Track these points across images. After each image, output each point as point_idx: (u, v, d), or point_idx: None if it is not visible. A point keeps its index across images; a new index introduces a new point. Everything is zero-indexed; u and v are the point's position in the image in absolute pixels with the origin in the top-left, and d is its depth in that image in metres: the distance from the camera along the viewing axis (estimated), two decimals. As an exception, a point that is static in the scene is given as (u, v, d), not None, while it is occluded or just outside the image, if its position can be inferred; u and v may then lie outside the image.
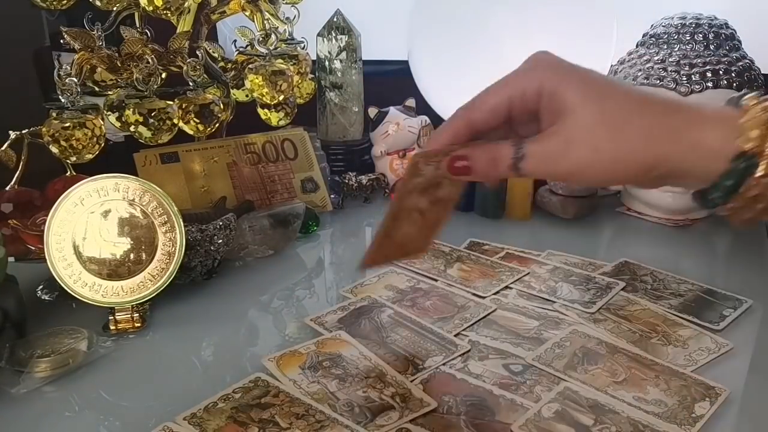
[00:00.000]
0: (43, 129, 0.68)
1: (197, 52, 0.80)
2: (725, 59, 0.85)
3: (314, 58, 1.00)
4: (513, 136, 0.44)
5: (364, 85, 1.04)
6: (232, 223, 0.71)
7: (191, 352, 0.58)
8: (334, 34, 1.01)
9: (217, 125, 0.80)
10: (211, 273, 0.72)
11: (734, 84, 0.83)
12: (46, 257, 0.60)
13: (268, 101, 0.82)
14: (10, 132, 0.70)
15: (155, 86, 0.74)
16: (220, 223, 0.69)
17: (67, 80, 0.68)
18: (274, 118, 0.87)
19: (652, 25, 0.93)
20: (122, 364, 0.57)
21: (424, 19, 0.98)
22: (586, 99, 0.40)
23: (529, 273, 0.72)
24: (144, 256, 0.63)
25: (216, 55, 0.92)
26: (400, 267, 0.73)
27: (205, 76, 0.80)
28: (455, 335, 0.60)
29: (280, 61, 0.84)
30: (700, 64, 0.84)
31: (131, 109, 0.73)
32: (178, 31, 0.80)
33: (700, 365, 0.56)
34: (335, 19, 1.01)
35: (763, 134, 0.37)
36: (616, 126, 0.39)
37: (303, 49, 0.92)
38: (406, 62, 1.01)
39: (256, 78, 0.80)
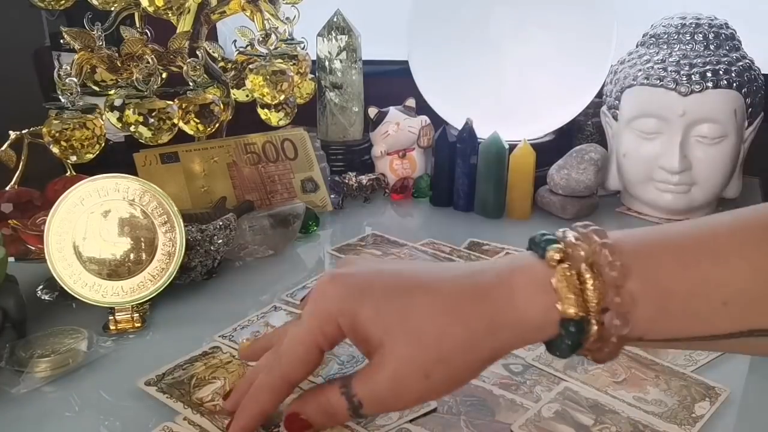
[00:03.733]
0: (43, 129, 0.68)
1: (197, 52, 0.80)
2: (725, 59, 0.85)
3: (314, 58, 1.00)
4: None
5: (364, 85, 1.04)
6: (232, 223, 0.71)
7: (191, 352, 0.58)
8: (334, 34, 1.01)
9: (217, 125, 0.80)
10: (211, 273, 0.72)
11: (734, 84, 0.83)
12: (46, 257, 0.60)
13: (269, 101, 0.82)
14: (10, 132, 0.70)
15: (155, 86, 0.74)
16: (220, 223, 0.69)
17: (67, 80, 0.68)
18: (274, 118, 0.87)
19: (652, 25, 0.93)
20: (122, 364, 0.57)
21: (424, 20, 0.98)
22: (386, 325, 0.36)
23: (529, 273, 0.72)
24: (144, 256, 0.63)
25: (216, 55, 0.92)
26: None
27: (205, 76, 0.80)
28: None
29: (280, 61, 0.84)
30: (700, 64, 0.84)
31: (131, 109, 0.73)
32: (178, 31, 0.80)
33: (700, 365, 0.56)
34: (335, 19, 1.01)
35: (579, 298, 0.34)
36: (434, 343, 0.35)
37: (303, 49, 0.92)
38: (406, 62, 1.01)
39: (257, 78, 0.80)
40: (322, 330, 0.39)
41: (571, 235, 0.36)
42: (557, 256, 0.35)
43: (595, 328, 0.34)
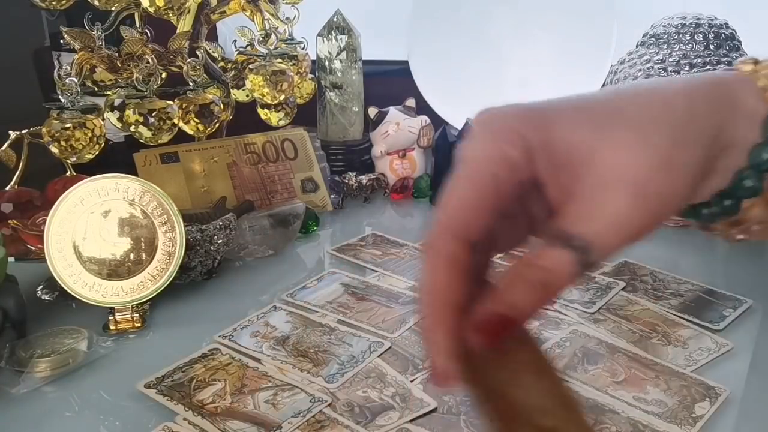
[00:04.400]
0: (43, 129, 0.68)
1: (197, 52, 0.80)
2: (725, 59, 0.85)
3: (314, 58, 1.00)
4: (521, 222, 0.30)
5: (364, 85, 1.04)
6: (232, 223, 0.71)
7: (191, 352, 0.58)
8: (334, 34, 1.01)
9: (217, 125, 0.80)
10: (211, 273, 0.71)
11: (734, 84, 0.83)
12: (46, 257, 0.60)
13: (269, 101, 0.82)
14: (10, 132, 0.70)
15: (155, 86, 0.74)
16: (220, 223, 0.69)
17: (67, 80, 0.68)
18: (274, 118, 0.87)
19: (652, 25, 0.93)
20: (122, 364, 0.57)
21: (424, 19, 0.97)
22: (598, 125, 0.27)
23: (529, 273, 0.72)
24: (144, 256, 0.63)
25: (216, 55, 0.92)
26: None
27: (205, 76, 0.80)
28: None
29: (280, 61, 0.84)
30: (700, 64, 0.84)
31: (131, 109, 0.73)
32: (178, 31, 0.80)
33: (700, 365, 0.56)
34: (335, 19, 1.01)
35: None
36: (667, 122, 0.27)
37: (303, 49, 0.92)
38: (406, 62, 1.01)
39: (257, 78, 0.80)
40: (502, 151, 0.27)
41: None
42: (750, 65, 0.30)
43: None
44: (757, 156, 0.29)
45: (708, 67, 0.83)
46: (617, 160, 0.26)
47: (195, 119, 0.77)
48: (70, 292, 0.61)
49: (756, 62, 0.31)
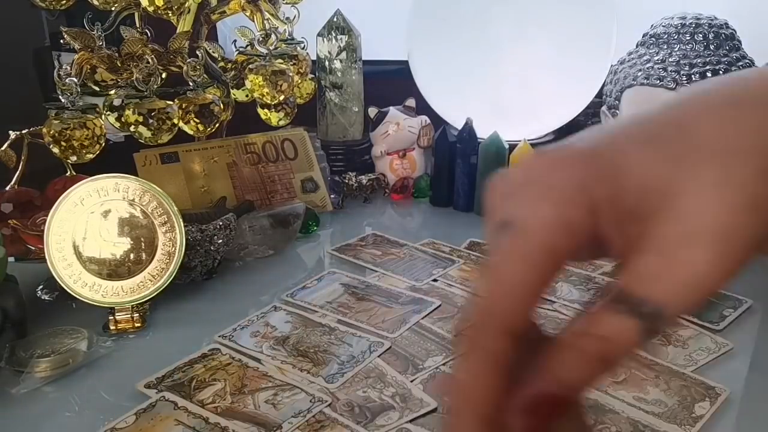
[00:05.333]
0: (44, 129, 0.68)
1: (197, 52, 0.80)
2: (725, 59, 0.85)
3: (314, 58, 1.00)
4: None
5: (364, 85, 1.04)
6: (232, 223, 0.71)
7: (191, 352, 0.58)
8: (334, 34, 1.01)
9: (217, 125, 0.80)
10: (211, 273, 0.71)
11: (734, 84, 0.83)
12: (46, 257, 0.60)
13: (269, 101, 0.82)
14: (10, 132, 0.70)
15: (155, 86, 0.74)
16: (220, 223, 0.69)
17: (67, 80, 0.67)
18: (274, 118, 0.87)
19: (652, 25, 0.92)
20: (122, 364, 0.57)
21: (423, 20, 0.97)
22: (674, 161, 0.23)
23: (529, 273, 0.72)
24: (144, 256, 0.63)
25: (216, 55, 0.91)
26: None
27: (205, 76, 0.80)
28: (456, 335, 0.60)
29: (280, 61, 0.84)
30: (700, 64, 0.84)
31: (131, 109, 0.72)
32: (178, 31, 0.80)
33: (700, 365, 0.56)
34: (335, 19, 1.01)
35: None
36: (749, 149, 0.22)
37: (303, 49, 0.92)
38: (406, 62, 1.01)
39: (257, 78, 0.80)
40: (563, 217, 0.22)
41: None
42: None
43: None
44: None
45: (708, 67, 0.83)
46: (701, 206, 0.22)
47: (195, 119, 0.77)
48: (70, 292, 0.61)
49: None
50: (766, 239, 0.23)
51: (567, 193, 0.22)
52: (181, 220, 0.63)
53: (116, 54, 0.75)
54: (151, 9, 0.73)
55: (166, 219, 0.63)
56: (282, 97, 0.82)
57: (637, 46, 0.93)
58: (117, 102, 0.77)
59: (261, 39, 0.82)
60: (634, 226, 0.23)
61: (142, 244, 0.63)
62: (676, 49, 0.87)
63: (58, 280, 0.60)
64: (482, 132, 0.89)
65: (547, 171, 0.23)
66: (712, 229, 0.22)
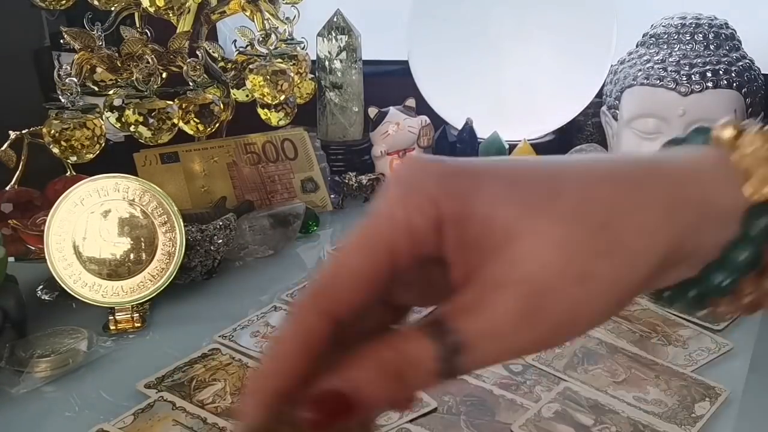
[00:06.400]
0: (43, 129, 0.68)
1: (197, 52, 0.80)
2: (725, 59, 0.85)
3: (314, 58, 1.00)
4: (392, 312, 0.25)
5: (364, 85, 1.04)
6: (232, 223, 0.71)
7: (191, 352, 0.58)
8: (334, 34, 1.01)
9: (217, 125, 0.80)
10: (211, 273, 0.71)
11: (734, 84, 0.83)
12: (46, 257, 0.60)
13: (269, 101, 0.82)
14: (10, 132, 0.70)
15: (155, 86, 0.74)
16: (220, 223, 0.69)
17: (67, 80, 0.67)
18: (274, 118, 0.87)
19: (652, 25, 0.92)
20: (122, 364, 0.57)
21: (423, 19, 0.98)
22: (527, 206, 0.23)
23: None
24: (144, 256, 0.63)
25: (216, 55, 0.91)
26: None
27: (205, 76, 0.80)
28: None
29: (280, 61, 0.84)
30: (700, 64, 0.84)
31: (131, 109, 0.73)
32: (178, 31, 0.80)
33: (700, 365, 0.56)
34: (335, 19, 1.01)
35: None
36: (599, 227, 0.23)
37: (303, 49, 0.92)
38: (406, 62, 1.01)
39: (257, 78, 0.80)
40: (407, 218, 0.23)
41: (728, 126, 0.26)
42: (731, 132, 0.25)
43: None
44: (733, 256, 0.25)
45: (708, 67, 0.83)
46: (532, 259, 0.22)
47: (195, 119, 0.77)
48: (70, 292, 0.61)
49: (738, 131, 0.25)
50: (596, 315, 0.23)
51: (418, 199, 0.23)
52: (181, 220, 0.63)
53: (116, 54, 0.76)
54: (151, 9, 0.73)
55: (166, 219, 0.63)
56: (282, 97, 0.82)
57: (637, 46, 0.93)
58: (117, 102, 0.77)
59: (261, 39, 0.82)
60: (476, 256, 0.23)
61: (142, 244, 0.63)
62: (676, 49, 0.87)
63: (58, 280, 0.60)
64: (482, 132, 0.89)
65: (411, 176, 0.24)
66: (529, 284, 0.22)
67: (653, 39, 0.90)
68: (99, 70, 0.76)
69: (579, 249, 0.22)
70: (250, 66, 0.82)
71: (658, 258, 0.24)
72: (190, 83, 0.77)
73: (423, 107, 1.01)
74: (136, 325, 0.62)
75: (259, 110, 0.87)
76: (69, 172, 0.74)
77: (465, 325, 0.22)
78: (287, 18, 0.89)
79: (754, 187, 0.24)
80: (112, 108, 0.77)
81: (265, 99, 0.82)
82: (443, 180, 0.23)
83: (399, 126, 0.97)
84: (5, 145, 0.69)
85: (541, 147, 0.91)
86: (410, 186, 0.23)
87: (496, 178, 0.23)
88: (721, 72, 0.83)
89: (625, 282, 0.23)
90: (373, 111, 0.99)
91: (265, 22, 0.85)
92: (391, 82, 1.07)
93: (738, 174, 0.25)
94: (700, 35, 0.87)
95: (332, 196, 0.91)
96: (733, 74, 0.83)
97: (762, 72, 0.88)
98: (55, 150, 0.68)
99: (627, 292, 0.24)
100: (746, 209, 0.24)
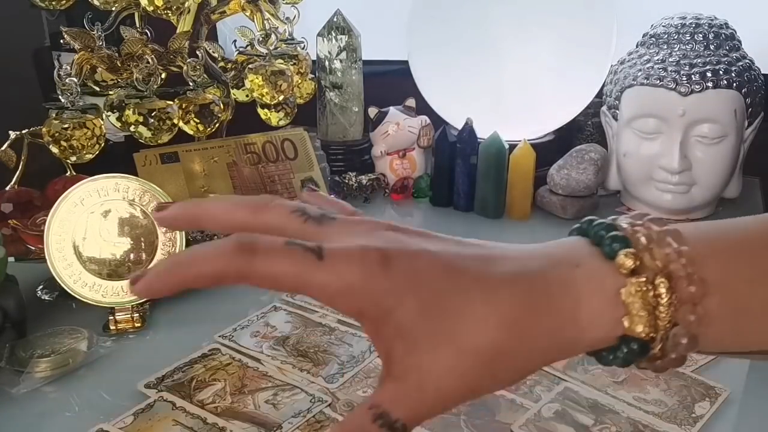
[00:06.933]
0: (43, 129, 0.68)
1: (197, 52, 0.80)
2: (725, 59, 0.85)
3: (314, 58, 1.00)
4: None
5: (364, 85, 1.04)
6: (232, 223, 0.71)
7: (191, 352, 0.58)
8: (334, 34, 1.01)
9: (217, 125, 0.80)
10: (211, 273, 0.71)
11: (734, 84, 0.83)
12: (46, 257, 0.60)
13: (268, 101, 0.82)
14: (10, 132, 0.70)
15: (155, 86, 0.74)
16: (220, 223, 0.69)
17: (67, 80, 0.67)
18: (274, 118, 0.87)
19: (652, 25, 0.93)
20: (122, 364, 0.57)
21: (423, 19, 0.98)
22: (431, 330, 0.28)
23: (529, 273, 0.72)
24: (144, 256, 0.63)
25: (216, 55, 0.91)
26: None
27: (205, 76, 0.80)
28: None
29: (280, 61, 0.84)
30: (700, 64, 0.84)
31: (131, 109, 0.73)
32: (178, 31, 0.80)
33: (700, 365, 0.56)
34: (335, 19, 1.01)
35: (651, 316, 0.28)
36: (488, 361, 0.29)
37: (303, 49, 0.92)
38: (406, 62, 1.01)
39: (256, 78, 0.80)
40: (332, 294, 0.27)
41: (641, 235, 0.30)
42: (630, 264, 0.29)
43: (660, 345, 0.29)
44: (609, 360, 0.30)
45: (708, 67, 0.83)
46: (438, 364, 0.28)
47: (195, 119, 0.77)
48: (70, 292, 0.61)
49: (636, 264, 0.29)
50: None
51: (349, 288, 0.27)
52: (181, 220, 0.63)
53: (116, 54, 0.76)
54: (151, 9, 0.73)
55: (166, 219, 0.63)
56: (282, 97, 0.82)
57: (637, 46, 0.93)
58: (117, 102, 0.77)
59: (261, 39, 0.82)
60: (388, 346, 0.28)
61: (142, 244, 0.63)
62: (676, 49, 0.87)
63: (58, 280, 0.60)
64: (482, 132, 0.89)
65: (368, 257, 0.27)
66: (433, 391, 0.29)
67: (653, 39, 0.90)
68: (99, 70, 0.76)
69: (471, 375, 0.29)
70: (250, 66, 0.82)
71: (524, 376, 0.30)
72: (190, 83, 0.77)
73: (423, 107, 1.01)
74: (136, 325, 0.62)
75: (259, 110, 0.87)
76: (69, 172, 0.74)
77: (402, 413, 0.28)
78: (287, 18, 0.89)
79: (630, 323, 0.28)
80: (112, 108, 0.77)
81: (264, 99, 0.82)
82: (375, 285, 0.27)
83: (399, 126, 0.97)
84: (5, 145, 0.69)
85: (541, 147, 0.91)
86: (349, 272, 0.27)
87: (419, 293, 0.28)
88: (721, 72, 0.83)
89: (496, 387, 0.30)
90: (373, 111, 0.99)
91: (265, 22, 0.85)
92: (391, 82, 1.07)
93: (620, 307, 0.29)
94: (700, 35, 0.87)
95: (332, 196, 0.90)
96: (733, 74, 0.83)
97: (762, 72, 0.89)
98: (55, 150, 0.68)
99: (495, 389, 0.30)
100: (619, 336, 0.29)
